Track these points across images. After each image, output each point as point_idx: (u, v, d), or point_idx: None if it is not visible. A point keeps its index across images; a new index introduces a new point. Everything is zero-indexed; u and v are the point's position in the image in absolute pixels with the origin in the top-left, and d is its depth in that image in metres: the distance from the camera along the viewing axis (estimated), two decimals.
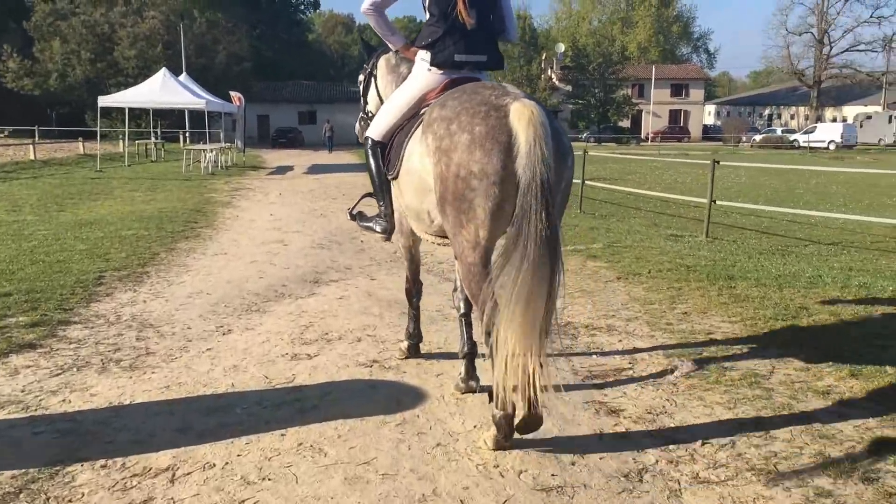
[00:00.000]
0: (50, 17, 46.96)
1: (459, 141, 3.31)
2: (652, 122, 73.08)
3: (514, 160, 3.18)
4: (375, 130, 4.29)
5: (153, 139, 34.29)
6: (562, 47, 74.68)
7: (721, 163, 12.20)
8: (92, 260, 8.40)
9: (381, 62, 4.89)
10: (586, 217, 13.63)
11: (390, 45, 4.49)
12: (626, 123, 72.20)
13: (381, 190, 4.30)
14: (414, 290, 4.93)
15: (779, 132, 66.65)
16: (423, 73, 4.10)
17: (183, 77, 29.90)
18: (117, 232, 10.88)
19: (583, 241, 10.24)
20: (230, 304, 6.63)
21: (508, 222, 3.27)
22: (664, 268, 7.97)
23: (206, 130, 29.47)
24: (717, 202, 12.03)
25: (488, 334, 3.29)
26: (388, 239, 4.59)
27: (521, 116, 3.21)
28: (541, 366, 3.15)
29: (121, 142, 37.83)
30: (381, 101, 4.77)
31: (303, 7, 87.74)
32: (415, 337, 5.06)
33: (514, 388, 3.24)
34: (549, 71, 72.92)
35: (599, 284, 7.39)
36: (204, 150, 26.48)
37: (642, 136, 71.58)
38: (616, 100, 69.04)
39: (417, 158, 3.69)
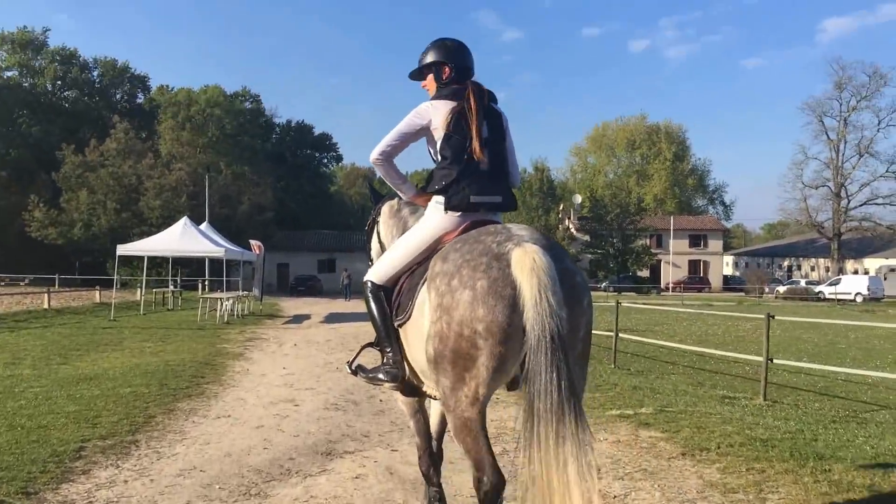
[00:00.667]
0: (79, 169, 48.23)
1: (461, 299, 3.14)
2: (671, 272, 72.66)
3: (520, 314, 3.01)
4: (378, 274, 4.03)
5: (170, 287, 33.87)
6: (579, 198, 75.76)
7: (776, 317, 11.25)
8: (77, 425, 7.42)
9: (385, 208, 4.75)
10: (622, 373, 12.56)
11: (401, 195, 4.37)
12: (645, 273, 71.88)
13: (388, 336, 3.94)
14: (430, 464, 4.39)
15: (803, 284, 65.88)
16: (439, 216, 3.91)
17: (204, 226, 29.88)
18: (115, 389, 9.96)
19: (628, 403, 9.17)
20: (226, 486, 5.58)
21: (509, 377, 3.25)
22: (734, 441, 6.85)
23: (224, 278, 29.01)
24: (774, 360, 10.97)
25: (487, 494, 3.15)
26: (400, 388, 4.08)
27: (524, 266, 3.03)
28: None
29: (139, 290, 37.63)
30: (382, 248, 4.60)
31: (326, 161, 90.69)
32: None
33: None
34: (567, 221, 73.57)
35: (662, 462, 6.28)
36: (221, 299, 25.92)
37: (662, 285, 70.99)
38: (635, 250, 69.07)
39: (426, 310, 3.45)
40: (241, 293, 28.85)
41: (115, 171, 48.01)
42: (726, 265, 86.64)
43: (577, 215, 74.32)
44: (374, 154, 4.01)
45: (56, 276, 45.25)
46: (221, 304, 25.59)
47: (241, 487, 5.56)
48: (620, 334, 18.12)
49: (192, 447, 6.79)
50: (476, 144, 3.83)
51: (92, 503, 5.10)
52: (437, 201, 3.93)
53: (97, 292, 31.39)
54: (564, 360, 2.91)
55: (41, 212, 46.81)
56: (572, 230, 71.95)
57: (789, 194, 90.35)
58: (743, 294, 64.63)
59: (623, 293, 62.16)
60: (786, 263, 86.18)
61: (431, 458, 4.38)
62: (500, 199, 3.92)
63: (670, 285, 69.74)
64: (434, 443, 4.45)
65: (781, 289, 63.89)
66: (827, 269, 74.72)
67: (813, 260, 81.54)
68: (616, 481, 5.75)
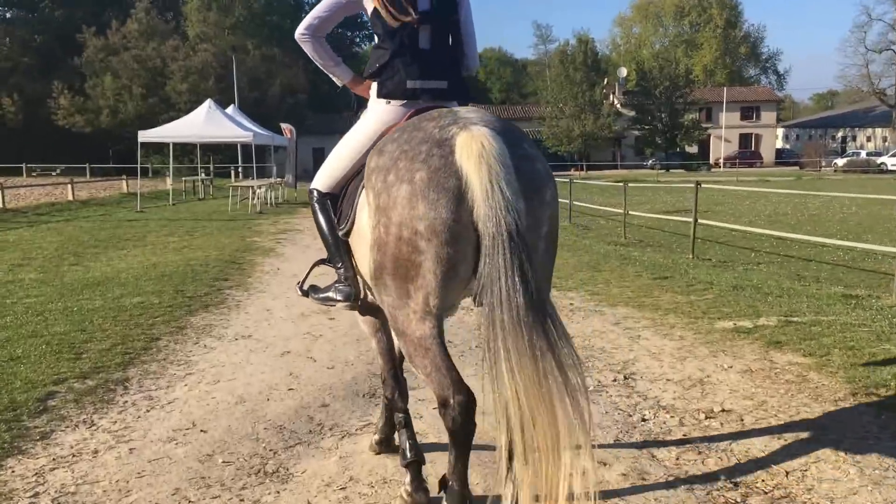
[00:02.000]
0: (101, 53, 46.12)
1: (398, 195, 2.67)
2: (722, 147, 69.29)
3: (469, 210, 2.54)
4: (321, 180, 3.60)
5: (200, 176, 32.41)
6: (624, 71, 71.87)
7: (850, 195, 9.17)
8: (57, 357, 5.90)
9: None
10: (706, 267, 10.75)
11: (335, 79, 3.79)
12: (693, 149, 68.67)
13: (337, 249, 3.47)
14: (395, 388, 3.80)
15: (863, 155, 62.27)
16: (377, 107, 3.46)
17: (231, 109, 28.00)
18: (121, 300, 8.48)
19: (740, 311, 7.41)
20: (231, 459, 4.01)
21: (465, 284, 2.75)
22: None
23: (253, 165, 27.37)
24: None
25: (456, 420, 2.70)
26: (355, 307, 3.53)
27: (471, 152, 2.57)
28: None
29: (167, 179, 36.35)
30: None
31: (358, 40, 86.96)
32: (412, 452, 3.55)
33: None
34: (612, 96, 70.01)
35: (828, 408, 4.56)
36: (252, 187, 24.38)
37: (711, 161, 67.88)
38: (684, 124, 65.64)
39: (365, 217, 3.00)
40: (273, 180, 27.21)
41: (138, 53, 45.81)
42: (778, 138, 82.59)
43: (622, 90, 70.60)
44: (300, 30, 3.55)
45: (87, 166, 44.10)
46: (253, 192, 24.07)
47: (252, 460, 3.99)
48: (680, 217, 16.32)
49: (195, 389, 5.23)
50: (410, 18, 3.31)
51: (38, 494, 3.57)
52: (374, 89, 3.48)
53: (124, 182, 29.89)
54: (528, 260, 2.47)
55: (66, 99, 45.16)
56: (617, 106, 68.52)
57: (850, 60, 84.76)
58: (798, 168, 61.43)
59: (671, 171, 59.54)
60: (840, 135, 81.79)
61: (396, 382, 3.78)
62: (445, 85, 3.42)
63: (721, 161, 66.61)
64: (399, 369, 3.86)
65: (840, 161, 60.46)
66: (884, 140, 70.59)
67: (869, 130, 77.04)
68: (773, 440, 4.08)
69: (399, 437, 3.69)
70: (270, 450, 4.14)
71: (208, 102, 25.22)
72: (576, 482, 2.42)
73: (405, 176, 2.68)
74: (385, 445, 4.06)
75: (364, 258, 3.13)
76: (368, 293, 3.43)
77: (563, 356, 2.45)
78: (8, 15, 57.97)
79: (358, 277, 3.43)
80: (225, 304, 8.45)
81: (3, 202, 22.26)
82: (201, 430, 4.41)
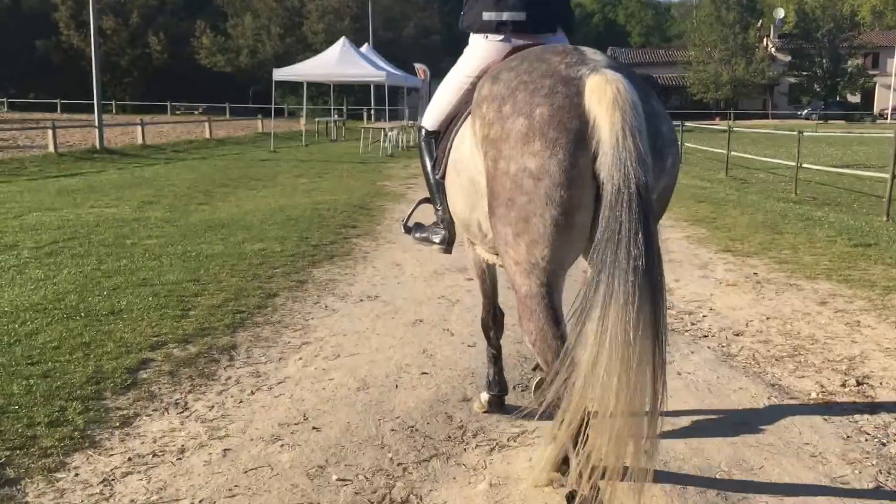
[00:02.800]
0: None
1: (513, 128, 2.39)
2: (891, 97, 63.00)
3: (591, 157, 2.27)
4: (426, 117, 3.44)
5: (334, 117, 32.13)
6: (781, 12, 66.20)
7: None
8: (161, 314, 5.16)
9: None
10: None
11: None
12: (855, 98, 62.83)
13: (437, 190, 3.34)
14: (491, 322, 3.72)
15: None
16: (476, 43, 3.24)
17: (365, 48, 27.28)
18: (242, 245, 7.81)
19: None
20: (349, 476, 3.03)
21: (583, 244, 2.46)
22: None
23: (386, 107, 26.65)
24: None
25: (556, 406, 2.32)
26: (448, 251, 3.55)
27: (603, 96, 2.24)
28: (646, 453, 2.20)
29: (301, 120, 36.41)
30: None
31: None
32: (495, 386, 3.74)
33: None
34: (766, 40, 64.84)
35: None
36: (384, 129, 23.67)
37: (875, 112, 61.92)
38: (847, 71, 60.00)
39: (467, 151, 2.78)
40: (405, 123, 26.41)
41: None
42: None
43: (777, 33, 65.21)
44: None
45: (227, 105, 45.02)
46: (384, 134, 23.37)
47: (375, 479, 3.01)
48: (851, 170, 14.21)
49: (310, 365, 4.33)
50: None
51: None
52: None
53: (259, 122, 29.84)
54: (652, 218, 2.17)
55: (208, 38, 46.03)
56: (772, 50, 63.41)
57: None
58: None
59: (829, 121, 54.70)
60: None
61: (494, 321, 3.71)
62: (524, 17, 3.07)
63: (888, 112, 60.65)
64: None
65: None
66: None
67: None
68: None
69: (487, 370, 3.79)
70: (399, 463, 3.16)
71: (342, 41, 24.54)
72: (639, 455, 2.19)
73: (524, 109, 2.39)
74: (497, 406, 3.77)
75: (456, 200, 3.02)
76: (466, 238, 3.33)
77: (662, 337, 2.17)
78: None
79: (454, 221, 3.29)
80: (351, 256, 7.60)
81: (143, 138, 22.54)
82: (314, 428, 3.49)
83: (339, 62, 23.35)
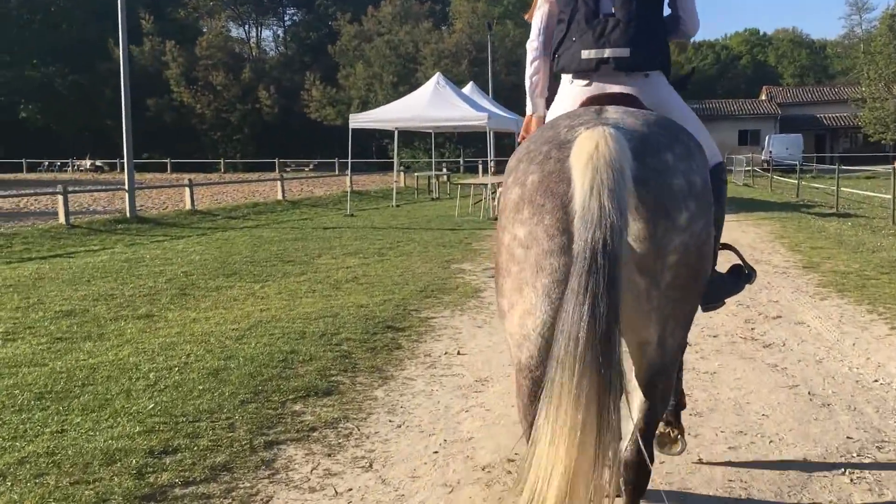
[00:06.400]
0: (356, 40, 43.37)
1: (510, 198, 2.40)
2: None
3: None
4: None
5: (432, 171, 27.52)
6: None
7: None
8: None
9: None
10: None
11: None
12: None
13: None
14: None
15: None
16: (563, 88, 3.05)
17: (469, 88, 22.55)
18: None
19: None
20: None
21: None
22: None
23: (489, 157, 21.66)
24: None
25: None
26: None
27: (581, 153, 2.16)
28: None
29: (408, 175, 32.10)
30: None
31: None
32: None
33: None
34: None
35: None
36: (485, 186, 18.62)
37: None
38: None
39: None
40: None
41: (391, 38, 42.44)
42: None
43: None
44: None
45: (336, 161, 41.57)
46: (490, 191, 18.29)
47: None
48: None
49: None
50: None
51: None
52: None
53: (347, 179, 25.28)
54: (609, 287, 2.00)
55: (318, 90, 42.97)
56: None
57: None
58: None
59: None
60: None
61: None
62: (628, 53, 2.83)
63: None
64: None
65: None
66: None
67: None
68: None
69: None
70: None
71: (436, 78, 19.84)
72: None
73: (521, 178, 2.36)
74: None
75: None
76: None
77: (609, 413, 1.94)
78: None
79: None
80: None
81: (192, 202, 18.47)
82: None
83: (430, 104, 18.61)
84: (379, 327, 6.73)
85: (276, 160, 42.70)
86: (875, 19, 64.88)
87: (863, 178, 30.80)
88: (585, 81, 2.91)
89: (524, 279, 2.27)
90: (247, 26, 64.21)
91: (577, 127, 2.31)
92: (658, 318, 2.32)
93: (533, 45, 3.12)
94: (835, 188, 19.19)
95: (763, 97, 61.47)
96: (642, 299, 2.28)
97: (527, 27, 3.28)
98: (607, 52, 2.82)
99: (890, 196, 15.50)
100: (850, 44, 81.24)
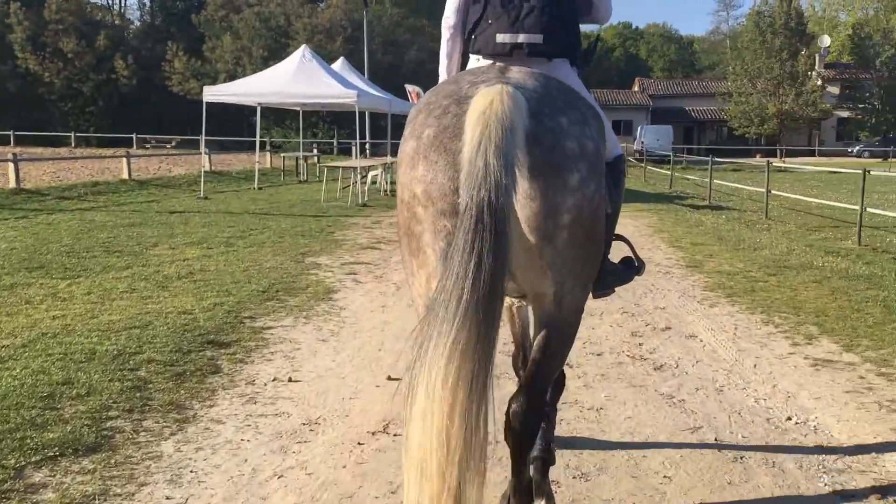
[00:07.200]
0: (222, 10, 40.68)
1: (404, 151, 2.40)
2: None
3: None
4: None
5: (298, 153, 25.94)
6: (827, 40, 59.68)
7: None
8: None
9: None
10: None
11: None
12: None
13: None
14: (520, 362, 3.48)
15: None
16: (470, 65, 3.02)
17: (339, 63, 21.09)
18: None
19: None
20: None
21: None
22: None
23: (356, 140, 20.34)
24: None
25: None
26: None
27: (475, 110, 2.15)
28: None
29: (275, 156, 30.31)
30: None
31: None
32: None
33: None
34: (812, 71, 58.31)
35: None
36: (353, 169, 17.27)
37: None
38: None
39: None
40: (389, 160, 19.96)
41: (261, 10, 40.05)
42: None
43: (822, 62, 58.62)
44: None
45: (201, 138, 38.86)
46: (359, 175, 16.95)
47: None
48: None
49: None
50: None
51: None
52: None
53: (207, 157, 23.18)
54: (496, 244, 1.97)
55: (181, 62, 40.02)
56: (819, 81, 56.80)
57: None
58: None
59: (891, 159, 47.85)
60: None
61: (524, 362, 3.31)
62: (542, 40, 2.80)
63: None
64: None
65: None
66: None
67: None
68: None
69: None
70: None
71: (302, 50, 18.25)
72: None
73: (417, 131, 2.37)
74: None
75: None
76: None
77: (483, 369, 1.91)
78: None
79: None
80: None
81: (17, 181, 16.12)
82: None
83: (295, 79, 17.04)
84: (196, 342, 5.46)
85: (133, 135, 39.51)
86: (742, 16, 67.54)
87: (729, 170, 31.56)
88: (489, 62, 2.84)
89: (426, 241, 2.26)
90: None
91: (478, 84, 2.32)
92: (554, 275, 2.30)
93: (449, 22, 3.07)
94: (707, 180, 19.16)
95: (636, 88, 62.81)
96: (535, 256, 2.26)
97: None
98: (521, 38, 2.80)
99: (763, 189, 15.37)
100: (717, 40, 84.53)
